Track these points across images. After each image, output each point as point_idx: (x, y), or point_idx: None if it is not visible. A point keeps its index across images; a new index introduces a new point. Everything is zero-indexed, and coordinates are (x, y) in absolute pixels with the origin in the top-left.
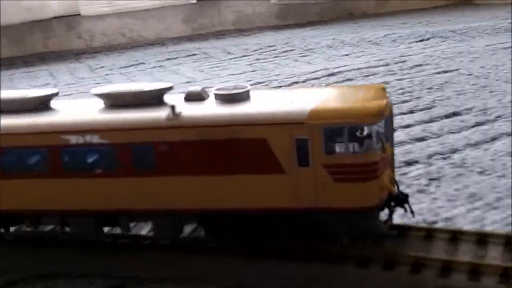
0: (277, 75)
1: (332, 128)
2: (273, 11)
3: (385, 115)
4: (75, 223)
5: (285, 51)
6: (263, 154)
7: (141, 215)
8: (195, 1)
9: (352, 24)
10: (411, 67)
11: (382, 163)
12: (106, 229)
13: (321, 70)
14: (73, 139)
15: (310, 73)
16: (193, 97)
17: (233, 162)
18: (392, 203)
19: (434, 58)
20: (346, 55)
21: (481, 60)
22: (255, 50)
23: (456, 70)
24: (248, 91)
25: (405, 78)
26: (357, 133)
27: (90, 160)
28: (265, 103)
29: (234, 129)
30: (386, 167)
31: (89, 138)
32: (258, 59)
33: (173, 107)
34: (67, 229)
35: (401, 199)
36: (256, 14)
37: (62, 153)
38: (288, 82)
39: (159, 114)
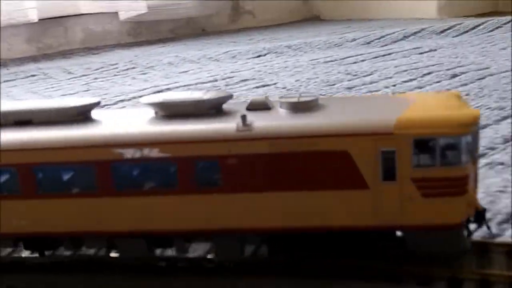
0: (105, 94)
1: (423, 139)
2: (125, 28)
3: (477, 125)
4: (125, 246)
5: (126, 69)
6: (344, 168)
7: (202, 237)
8: (36, 20)
9: (203, 40)
10: (236, 82)
11: (471, 177)
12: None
13: (151, 87)
14: (128, 153)
15: (139, 90)
16: (258, 106)
17: (311, 177)
18: (472, 219)
19: (261, 73)
20: (184, 71)
21: (300, 74)
22: (97, 69)
23: (274, 84)
24: (317, 99)
25: None
26: (447, 144)
27: (146, 176)
28: (342, 112)
29: (313, 141)
30: (473, 181)
31: (146, 152)
32: (96, 78)
33: (243, 117)
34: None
35: (481, 215)
36: (106, 32)
37: (113, 169)
38: (114, 101)
39: (226, 124)
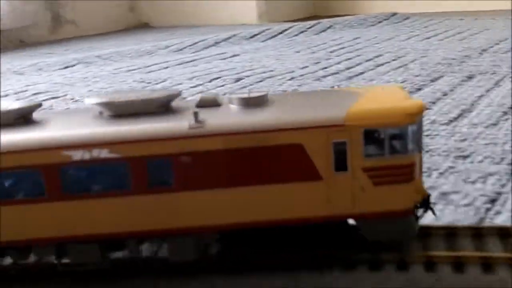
0: None
1: (373, 129)
2: None
3: (422, 115)
4: (76, 252)
5: None
6: (298, 160)
7: (157, 237)
8: None
9: (19, 53)
10: (27, 96)
11: (417, 165)
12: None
13: None
14: (76, 155)
15: None
16: (207, 103)
17: (265, 172)
18: (418, 205)
19: (58, 85)
20: None
21: (96, 84)
22: None
23: (64, 95)
24: (267, 95)
25: None
26: (395, 134)
27: (97, 178)
28: (293, 106)
29: (267, 135)
30: (419, 169)
31: (96, 153)
32: None
33: (196, 114)
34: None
35: (426, 201)
36: None
37: (61, 173)
38: None
39: (178, 122)
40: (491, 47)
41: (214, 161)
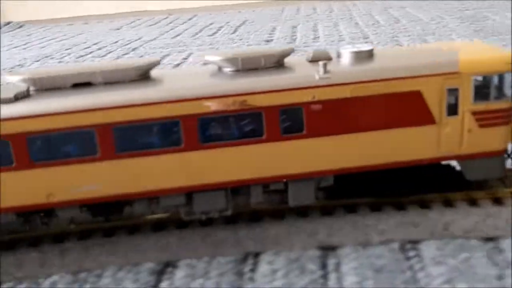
0: None
1: (482, 76)
2: None
3: None
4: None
5: None
6: (416, 106)
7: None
8: None
9: None
10: None
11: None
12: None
13: None
14: (213, 106)
15: None
16: (321, 58)
17: (387, 118)
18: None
19: None
20: None
21: None
22: None
23: None
24: (373, 49)
25: None
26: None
27: (231, 128)
28: (404, 58)
29: (390, 83)
30: None
31: (230, 105)
32: None
33: (325, 65)
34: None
35: None
36: None
37: (199, 124)
38: None
39: (307, 73)
40: None
41: (342, 108)
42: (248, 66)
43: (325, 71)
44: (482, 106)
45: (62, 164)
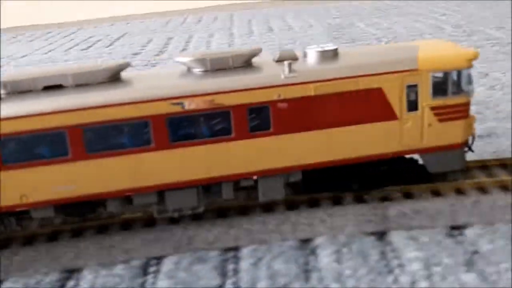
0: None
1: (440, 73)
2: None
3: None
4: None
5: None
6: (378, 103)
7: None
8: None
9: None
10: None
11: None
12: None
13: None
14: (183, 106)
15: None
16: (286, 58)
17: (350, 114)
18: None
19: None
20: None
21: None
22: None
23: None
24: (337, 49)
25: None
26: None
27: (200, 127)
28: (366, 57)
29: (352, 81)
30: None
31: (199, 104)
32: None
33: (290, 64)
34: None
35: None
36: None
37: (168, 123)
38: None
39: (274, 72)
40: None
41: (307, 106)
42: (216, 66)
43: (290, 70)
44: (440, 101)
45: (34, 165)
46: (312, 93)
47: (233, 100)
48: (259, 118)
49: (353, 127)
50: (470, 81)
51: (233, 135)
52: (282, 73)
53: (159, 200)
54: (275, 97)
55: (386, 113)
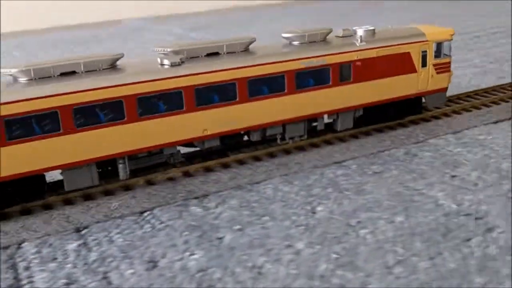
0: None
1: (438, 42)
2: None
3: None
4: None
5: None
6: (408, 62)
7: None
8: None
9: None
10: None
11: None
12: None
13: None
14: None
15: None
16: (348, 34)
17: (393, 69)
18: None
19: None
20: None
21: None
22: None
23: None
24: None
25: None
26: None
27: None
28: (397, 32)
29: (396, 47)
30: None
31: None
32: None
33: (361, 36)
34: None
35: None
36: None
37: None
38: None
39: (352, 42)
40: None
41: (371, 64)
42: (307, 40)
43: (361, 40)
44: (438, 60)
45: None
46: (375, 55)
47: (331, 60)
48: (344, 72)
49: (395, 77)
50: (450, 49)
51: (330, 83)
52: (357, 42)
53: (283, 131)
54: (355, 58)
55: (411, 68)
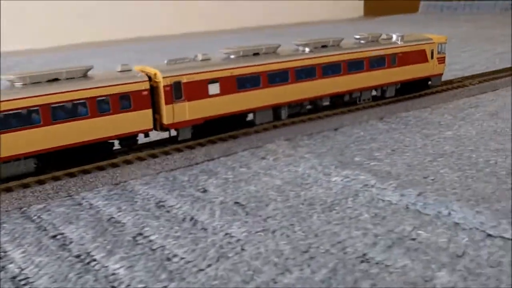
0: None
1: (440, 44)
2: None
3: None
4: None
5: None
6: (423, 55)
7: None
8: None
9: None
10: None
11: None
12: None
13: None
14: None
15: None
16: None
17: (414, 59)
18: None
19: None
20: None
21: None
22: None
23: None
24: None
25: None
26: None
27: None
28: (412, 37)
29: (417, 46)
30: None
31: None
32: None
33: (401, 37)
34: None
35: None
36: None
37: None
38: None
39: (395, 41)
40: None
41: (404, 57)
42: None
43: (401, 40)
44: (439, 55)
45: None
46: (408, 50)
47: (386, 51)
48: (392, 60)
49: (416, 65)
50: (444, 49)
51: (385, 66)
52: (398, 41)
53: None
54: (398, 51)
55: (425, 59)
